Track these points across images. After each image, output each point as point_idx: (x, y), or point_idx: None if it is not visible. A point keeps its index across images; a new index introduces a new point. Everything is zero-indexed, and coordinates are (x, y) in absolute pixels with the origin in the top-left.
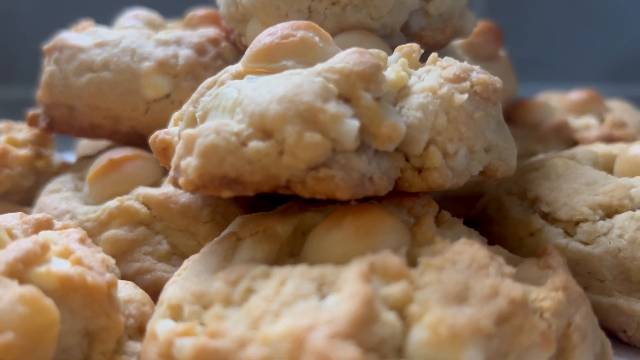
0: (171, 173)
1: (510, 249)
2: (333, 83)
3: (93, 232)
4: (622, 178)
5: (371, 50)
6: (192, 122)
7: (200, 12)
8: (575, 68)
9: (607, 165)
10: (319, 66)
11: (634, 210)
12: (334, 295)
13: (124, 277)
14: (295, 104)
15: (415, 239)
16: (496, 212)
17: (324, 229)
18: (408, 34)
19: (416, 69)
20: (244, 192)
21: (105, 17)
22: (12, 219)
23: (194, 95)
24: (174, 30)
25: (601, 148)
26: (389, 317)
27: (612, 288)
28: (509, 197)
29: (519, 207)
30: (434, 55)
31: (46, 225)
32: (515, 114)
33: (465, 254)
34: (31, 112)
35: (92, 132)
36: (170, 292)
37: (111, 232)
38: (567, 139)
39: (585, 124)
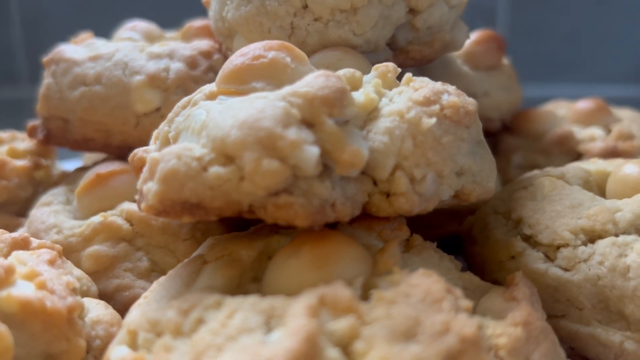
0: (136, 196)
1: (490, 272)
2: (296, 108)
3: (77, 247)
4: (610, 200)
5: (344, 71)
6: (167, 142)
7: (196, 23)
8: (606, 67)
9: (600, 184)
10: (285, 90)
11: (617, 235)
12: (280, 329)
13: (104, 293)
14: (255, 130)
15: (376, 268)
16: (480, 231)
17: (283, 256)
18: (395, 48)
19: (391, 89)
20: (206, 217)
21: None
22: None
23: (170, 115)
24: (169, 42)
25: (596, 165)
26: (333, 355)
27: (590, 317)
28: (494, 216)
29: (503, 228)
30: (408, 75)
31: (22, 244)
32: (518, 124)
33: (420, 286)
34: (31, 123)
35: (85, 145)
36: (132, 316)
37: (94, 248)
38: (571, 150)
39: (591, 135)
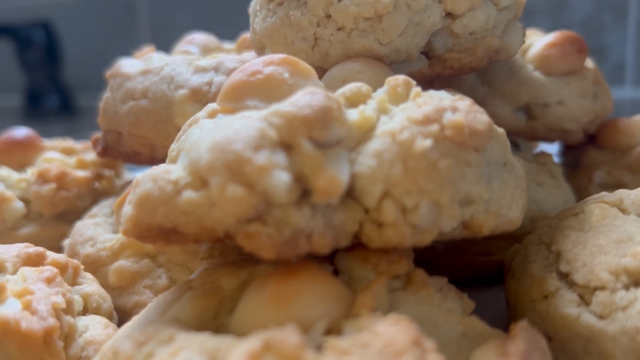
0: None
1: (522, 313)
2: (275, 128)
3: (106, 262)
4: None
5: (351, 85)
6: (172, 162)
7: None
8: None
9: None
10: (270, 109)
11: None
12: None
13: (124, 309)
14: (225, 153)
15: (352, 308)
16: (520, 263)
17: (252, 290)
18: (433, 56)
19: (399, 104)
20: (184, 242)
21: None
22: (12, 251)
23: (179, 133)
24: (220, 55)
25: None
26: None
27: None
28: (537, 246)
29: (544, 261)
30: (416, 90)
31: (36, 259)
32: (603, 136)
33: (382, 335)
34: (95, 135)
35: (135, 158)
36: (109, 341)
37: (119, 263)
38: None
39: None
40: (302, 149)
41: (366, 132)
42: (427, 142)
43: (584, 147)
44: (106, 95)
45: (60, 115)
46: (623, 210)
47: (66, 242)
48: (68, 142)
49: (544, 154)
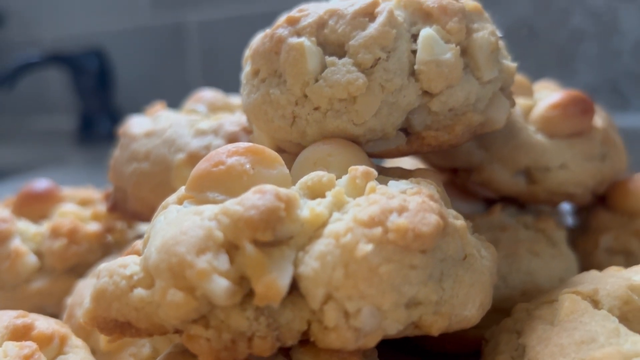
0: None
1: None
2: (222, 229)
3: None
4: (636, 339)
5: (314, 174)
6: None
7: None
8: None
9: None
10: (221, 206)
11: None
12: None
13: None
14: (169, 255)
15: None
16: (490, 351)
17: None
18: (412, 132)
19: (355, 197)
20: (138, 336)
21: None
22: (3, 320)
23: (155, 213)
24: (222, 115)
25: None
26: None
27: None
28: (508, 335)
29: (512, 353)
30: (371, 185)
31: (22, 331)
32: (613, 198)
33: None
34: (107, 190)
35: (138, 218)
36: None
37: None
38: None
39: None
40: (245, 251)
41: (317, 228)
42: (369, 247)
43: (593, 209)
44: (116, 153)
45: (111, 139)
46: (596, 303)
47: (69, 301)
48: (87, 192)
49: (545, 220)
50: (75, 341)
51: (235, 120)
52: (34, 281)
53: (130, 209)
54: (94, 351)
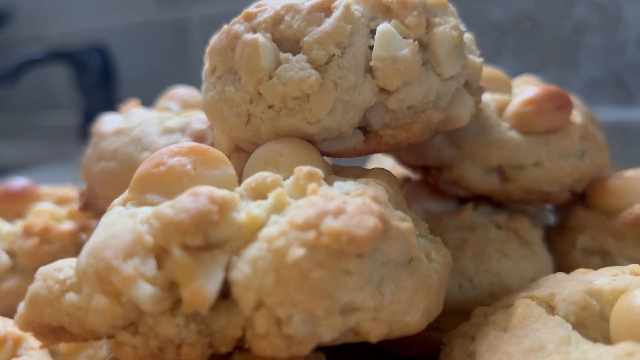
0: None
1: None
2: (152, 233)
3: None
4: (587, 348)
5: (258, 175)
6: None
7: None
8: None
9: (605, 315)
10: (154, 209)
11: None
12: None
13: None
14: (96, 260)
15: None
16: (445, 357)
17: None
18: (370, 131)
19: (298, 199)
20: (73, 340)
21: None
22: None
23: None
24: (193, 112)
25: (615, 283)
26: None
27: None
28: (462, 340)
29: (466, 359)
30: (312, 186)
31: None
32: (592, 196)
33: None
34: (82, 188)
35: None
36: None
37: None
38: None
39: None
40: (173, 256)
41: (254, 232)
42: (300, 252)
43: (571, 207)
44: (87, 151)
45: None
46: (552, 308)
47: None
48: (65, 190)
49: (518, 219)
50: (32, 343)
51: (203, 117)
52: (6, 280)
53: (99, 208)
54: (54, 353)
